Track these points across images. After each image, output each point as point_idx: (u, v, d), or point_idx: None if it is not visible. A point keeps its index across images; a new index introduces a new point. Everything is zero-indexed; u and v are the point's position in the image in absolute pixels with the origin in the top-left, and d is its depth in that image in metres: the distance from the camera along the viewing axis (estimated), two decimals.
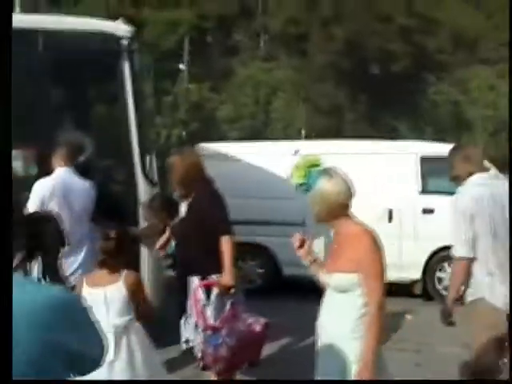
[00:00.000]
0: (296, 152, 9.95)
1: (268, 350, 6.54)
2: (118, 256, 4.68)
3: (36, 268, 2.63)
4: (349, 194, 4.05)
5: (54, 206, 6.18)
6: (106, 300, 4.65)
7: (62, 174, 6.60)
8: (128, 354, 4.69)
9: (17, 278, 2.28)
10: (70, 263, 6.07)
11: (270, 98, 32.11)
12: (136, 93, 7.53)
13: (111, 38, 7.40)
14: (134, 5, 37.02)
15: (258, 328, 5.41)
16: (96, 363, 2.45)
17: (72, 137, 7.32)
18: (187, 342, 5.86)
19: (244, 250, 9.99)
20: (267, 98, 31.87)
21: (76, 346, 2.29)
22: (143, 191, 7.40)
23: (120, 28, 7.62)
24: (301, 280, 8.51)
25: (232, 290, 5.62)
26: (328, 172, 4.14)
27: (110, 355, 4.47)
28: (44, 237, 2.62)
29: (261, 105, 31.67)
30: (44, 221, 2.70)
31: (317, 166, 4.51)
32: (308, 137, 28.30)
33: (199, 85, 31.42)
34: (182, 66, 33.16)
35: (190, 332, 5.80)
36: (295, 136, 28.14)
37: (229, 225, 5.77)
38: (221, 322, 5.46)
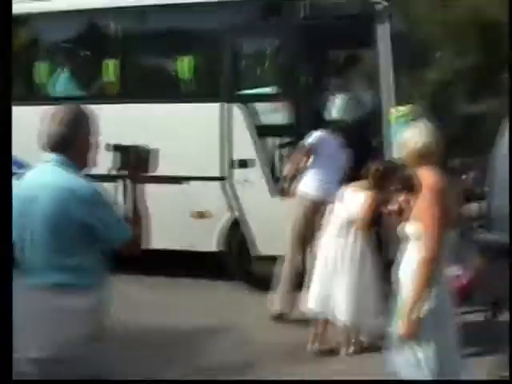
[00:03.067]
0: None
1: None
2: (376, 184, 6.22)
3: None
4: (427, 145, 4.24)
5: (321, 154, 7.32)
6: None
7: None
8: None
9: (63, 171, 3.46)
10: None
11: None
12: (396, 60, 7.73)
13: (366, 3, 7.66)
14: None
15: (464, 280, 6.06)
16: (118, 240, 3.52)
17: None
18: None
19: None
20: None
21: (86, 219, 3.40)
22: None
23: None
24: None
25: None
26: (413, 123, 4.60)
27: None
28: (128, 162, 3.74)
29: None
30: (128, 150, 3.76)
31: (406, 116, 4.92)
32: None
33: None
34: None
35: None
36: None
37: None
38: None
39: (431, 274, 4.01)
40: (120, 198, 3.72)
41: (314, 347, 6.48)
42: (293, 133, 8.01)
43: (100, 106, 8.40)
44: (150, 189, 7.74)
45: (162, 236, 8.08)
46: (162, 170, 7.96)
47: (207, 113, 8.22)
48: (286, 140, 8.24)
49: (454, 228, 4.42)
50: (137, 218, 3.66)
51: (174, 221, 8.33)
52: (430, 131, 4.33)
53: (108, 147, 3.73)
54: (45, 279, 3.38)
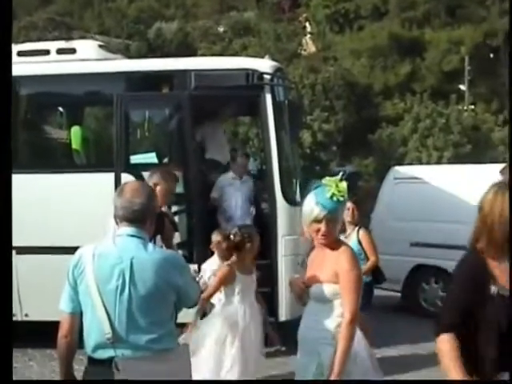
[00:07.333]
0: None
1: None
2: None
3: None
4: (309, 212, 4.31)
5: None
6: None
7: None
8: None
9: (146, 243, 3.68)
10: None
11: None
12: (278, 125, 8.08)
13: (253, 75, 7.97)
14: (419, 26, 37.19)
15: None
16: (193, 302, 3.96)
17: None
18: None
19: (429, 273, 10.89)
20: None
21: (182, 285, 3.70)
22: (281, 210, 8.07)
23: (263, 64, 8.20)
24: None
25: None
26: (311, 192, 4.53)
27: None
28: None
29: None
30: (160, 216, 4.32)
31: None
32: None
33: (476, 106, 30.53)
34: (461, 87, 32.60)
35: None
36: None
37: None
38: None
39: (353, 335, 4.24)
40: None
41: None
42: (183, 200, 8.17)
43: None
44: (42, 260, 7.89)
45: None
46: (58, 240, 8.03)
47: (101, 182, 8.23)
48: (178, 207, 8.29)
49: None
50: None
51: None
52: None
53: None
54: (148, 347, 3.51)
